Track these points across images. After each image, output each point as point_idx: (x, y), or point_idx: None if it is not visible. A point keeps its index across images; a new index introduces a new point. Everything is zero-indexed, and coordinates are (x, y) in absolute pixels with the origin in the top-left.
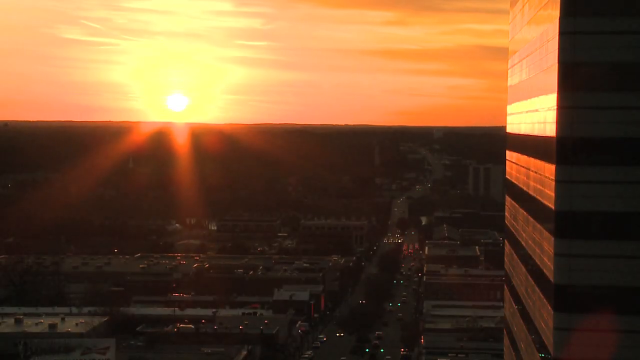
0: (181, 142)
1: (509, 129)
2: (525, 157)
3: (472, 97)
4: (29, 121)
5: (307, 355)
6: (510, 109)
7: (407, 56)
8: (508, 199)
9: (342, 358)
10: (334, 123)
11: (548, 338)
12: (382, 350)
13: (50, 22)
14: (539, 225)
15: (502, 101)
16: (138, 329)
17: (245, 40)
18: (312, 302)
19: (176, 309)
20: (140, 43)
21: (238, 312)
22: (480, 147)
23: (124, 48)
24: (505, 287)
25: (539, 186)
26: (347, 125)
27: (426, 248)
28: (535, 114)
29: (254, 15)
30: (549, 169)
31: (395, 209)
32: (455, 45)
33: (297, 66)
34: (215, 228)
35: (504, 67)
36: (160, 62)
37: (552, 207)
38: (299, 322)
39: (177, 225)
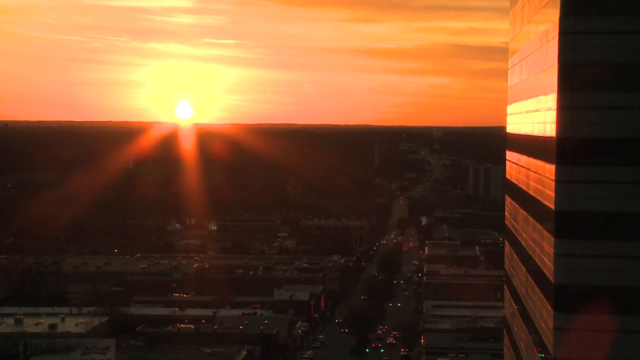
0: (181, 143)
1: (509, 129)
2: (525, 157)
3: (452, 96)
4: (29, 121)
5: (307, 355)
6: (510, 109)
7: (385, 55)
8: (508, 199)
9: None
10: (334, 123)
11: (548, 338)
12: (382, 350)
13: (8, 19)
14: (539, 225)
15: (484, 100)
16: (138, 329)
17: (214, 39)
18: (312, 302)
19: (176, 309)
20: (108, 42)
21: (238, 312)
22: (480, 147)
23: (94, 47)
24: (505, 287)
25: (539, 186)
26: (347, 125)
27: (426, 248)
28: (535, 114)
29: (216, 12)
30: (549, 169)
31: (396, 209)
32: (429, 43)
33: (277, 65)
34: (215, 228)
35: (481, 66)
36: (139, 61)
37: (552, 207)
38: (299, 322)
39: (177, 225)
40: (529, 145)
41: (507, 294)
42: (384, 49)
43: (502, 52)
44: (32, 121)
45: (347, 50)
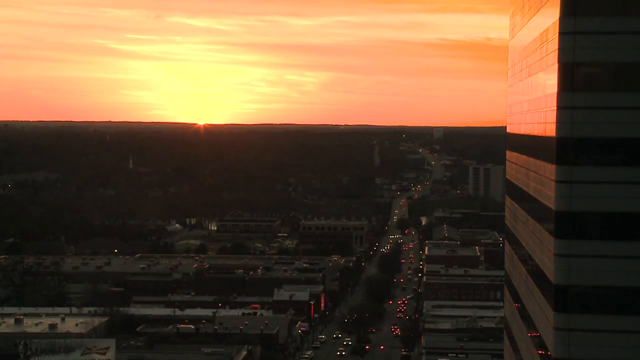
0: (182, 143)
1: (509, 129)
2: (525, 157)
3: (405, 94)
4: (29, 121)
5: (307, 356)
6: (510, 109)
7: (323, 52)
8: (508, 199)
9: None
10: (334, 123)
11: (548, 338)
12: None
13: None
14: (539, 226)
15: (442, 99)
16: (138, 329)
17: (137, 34)
18: (312, 302)
19: (176, 309)
20: (26, 37)
21: (238, 312)
22: (480, 147)
23: (12, 43)
24: (505, 287)
25: (539, 186)
26: (347, 125)
27: (426, 248)
28: (535, 114)
29: (130, 6)
30: (549, 169)
31: (396, 209)
32: (367, 39)
33: (219, 61)
34: (215, 228)
35: (425, 64)
36: (70, 57)
37: (552, 207)
38: (299, 322)
39: (177, 225)
40: (529, 145)
41: (507, 294)
42: (319, 45)
43: (441, 49)
44: (32, 121)
45: (286, 47)
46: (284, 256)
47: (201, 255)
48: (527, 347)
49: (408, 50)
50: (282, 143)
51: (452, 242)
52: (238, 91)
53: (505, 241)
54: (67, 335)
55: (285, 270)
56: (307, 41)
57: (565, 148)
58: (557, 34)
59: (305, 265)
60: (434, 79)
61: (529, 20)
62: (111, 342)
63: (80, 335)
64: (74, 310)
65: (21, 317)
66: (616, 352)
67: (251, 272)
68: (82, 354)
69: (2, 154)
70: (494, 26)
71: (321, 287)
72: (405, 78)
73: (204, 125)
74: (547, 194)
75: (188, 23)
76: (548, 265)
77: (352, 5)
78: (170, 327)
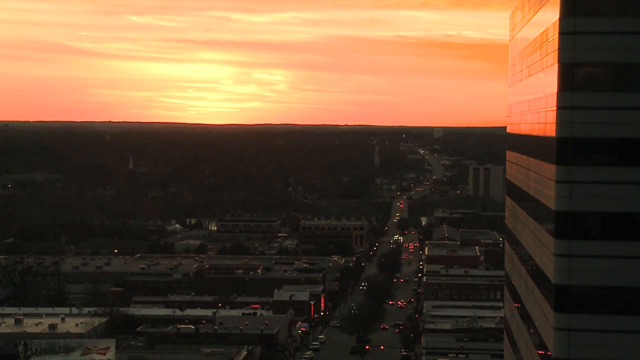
0: (182, 143)
1: (509, 129)
2: (525, 157)
3: (380, 91)
4: (29, 121)
5: (307, 356)
6: (510, 109)
7: (282, 49)
8: (508, 199)
9: None
10: (334, 123)
11: (548, 338)
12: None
13: None
14: (539, 226)
15: (414, 98)
16: (138, 329)
17: (89, 32)
18: (312, 302)
19: (176, 309)
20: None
21: (238, 312)
22: (480, 147)
23: None
24: (505, 287)
25: (538, 186)
26: (347, 125)
27: (426, 248)
28: (535, 114)
29: (60, 2)
30: (548, 169)
31: (395, 209)
32: (330, 37)
33: (180, 60)
34: (215, 228)
35: (388, 62)
36: (38, 55)
37: (552, 207)
38: (299, 322)
39: (177, 225)
40: (529, 145)
41: (507, 294)
42: (279, 42)
43: (401, 46)
44: (32, 121)
45: (246, 44)
46: (284, 256)
47: (201, 255)
48: (527, 347)
49: (368, 47)
50: (281, 143)
51: (452, 242)
52: (209, 90)
53: (505, 241)
54: (67, 335)
55: (285, 271)
56: (265, 38)
57: (565, 148)
58: (557, 34)
59: (305, 265)
60: (406, 77)
61: (529, 20)
62: (111, 342)
63: (80, 336)
64: (74, 310)
65: (21, 317)
66: (616, 352)
67: (251, 272)
68: (82, 354)
69: (2, 154)
70: (452, 23)
71: (321, 287)
72: (375, 76)
73: (204, 125)
74: (547, 194)
75: (136, 20)
76: (548, 265)
77: (304, 0)
78: (170, 327)
